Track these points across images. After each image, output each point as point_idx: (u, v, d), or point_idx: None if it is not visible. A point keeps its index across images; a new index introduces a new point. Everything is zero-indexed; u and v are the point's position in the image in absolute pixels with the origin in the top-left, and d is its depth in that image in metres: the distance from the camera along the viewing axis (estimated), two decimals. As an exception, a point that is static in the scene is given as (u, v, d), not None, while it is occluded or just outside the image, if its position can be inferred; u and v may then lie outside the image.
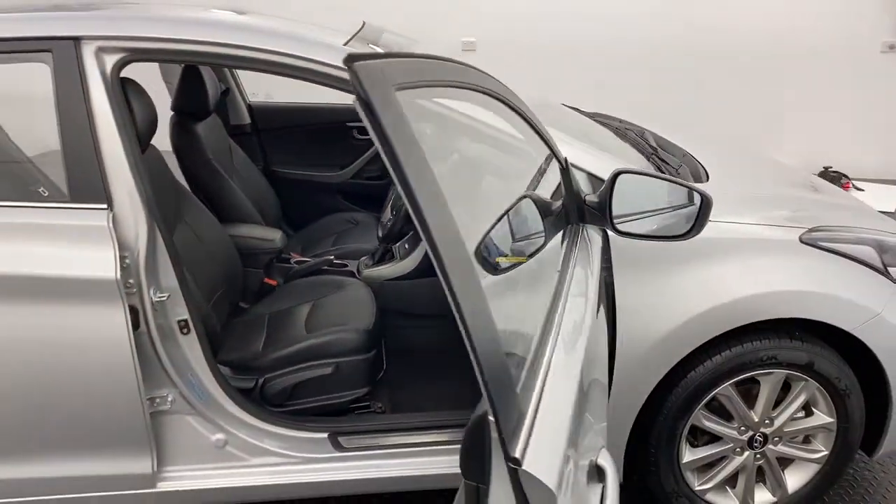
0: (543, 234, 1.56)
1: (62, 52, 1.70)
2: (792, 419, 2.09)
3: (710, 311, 1.91)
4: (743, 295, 1.92)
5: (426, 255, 2.52)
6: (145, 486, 1.87)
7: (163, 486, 1.89)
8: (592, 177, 1.91)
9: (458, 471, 0.96)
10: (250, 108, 3.42)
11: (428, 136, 2.47)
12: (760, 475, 2.18)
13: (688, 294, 1.92)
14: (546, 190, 1.72)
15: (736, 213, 2.01)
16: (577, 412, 1.07)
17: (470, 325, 0.81)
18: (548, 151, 1.72)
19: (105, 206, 1.71)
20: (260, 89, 3.61)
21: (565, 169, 1.69)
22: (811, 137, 5.71)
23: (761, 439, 2.09)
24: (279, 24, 1.99)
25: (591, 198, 1.73)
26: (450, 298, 0.82)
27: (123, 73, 1.79)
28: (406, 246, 2.65)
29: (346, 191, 3.45)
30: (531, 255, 1.51)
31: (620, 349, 1.90)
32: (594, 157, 1.97)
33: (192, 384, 1.88)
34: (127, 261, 1.71)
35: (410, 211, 0.82)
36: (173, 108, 2.69)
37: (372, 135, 0.78)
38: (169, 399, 1.86)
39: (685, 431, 2.05)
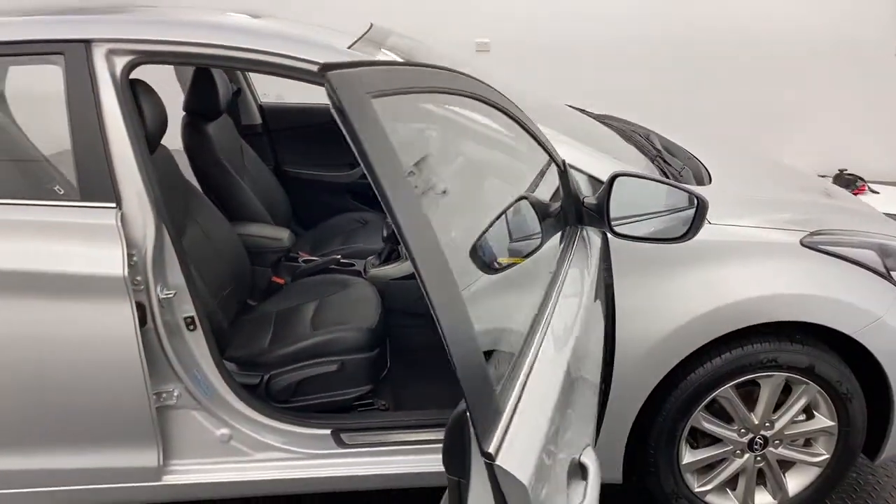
0: (540, 235, 1.58)
1: (73, 55, 1.75)
2: (793, 422, 2.09)
3: (711, 313, 1.91)
4: (743, 297, 1.93)
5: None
6: (151, 478, 1.91)
7: (168, 480, 1.93)
8: (593, 179, 1.92)
9: None
10: (261, 108, 3.46)
11: (434, 139, 2.50)
12: (761, 478, 2.18)
13: (688, 295, 1.93)
14: (544, 192, 1.74)
15: (737, 215, 2.01)
16: (561, 410, 1.09)
17: (446, 325, 0.84)
18: (544, 155, 1.73)
19: (114, 204, 1.75)
20: (271, 90, 3.64)
21: (563, 171, 1.70)
22: (827, 140, 5.66)
23: (761, 442, 2.10)
24: (285, 26, 2.03)
25: (590, 200, 1.75)
26: (427, 298, 0.85)
27: (136, 75, 1.84)
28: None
29: (356, 191, 3.48)
30: (527, 256, 1.53)
31: (620, 349, 1.91)
32: (595, 159, 1.98)
33: (198, 380, 1.92)
34: (134, 258, 1.76)
35: (387, 213, 0.85)
36: (185, 109, 2.74)
37: (349, 141, 0.81)
38: (175, 394, 1.91)
39: (685, 433, 2.06)
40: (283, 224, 3.09)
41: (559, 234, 1.70)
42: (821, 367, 1.99)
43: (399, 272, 2.68)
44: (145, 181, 1.77)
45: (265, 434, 1.99)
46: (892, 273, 2.02)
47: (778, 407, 2.08)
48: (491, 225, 1.49)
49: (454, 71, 1.31)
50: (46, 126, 1.96)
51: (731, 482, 2.18)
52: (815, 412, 2.11)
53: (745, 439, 2.09)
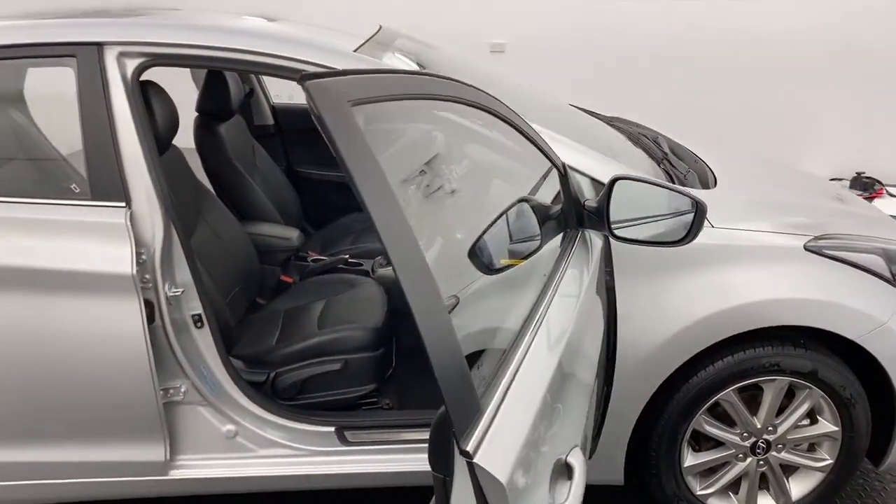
0: (540, 237, 1.60)
1: (86, 57, 1.79)
2: (796, 427, 2.09)
3: (713, 316, 1.92)
4: (746, 301, 1.93)
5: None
6: (158, 473, 1.95)
7: (175, 474, 1.97)
8: (596, 182, 1.93)
9: None
10: (274, 109, 3.50)
11: (444, 141, 2.51)
12: (764, 482, 2.18)
13: (691, 298, 1.93)
14: (548, 194, 1.75)
15: (741, 218, 2.01)
16: (548, 410, 1.11)
17: (425, 327, 0.86)
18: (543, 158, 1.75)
19: (123, 204, 1.79)
20: (284, 91, 3.68)
21: (563, 174, 1.72)
22: (845, 143, 5.60)
23: (764, 446, 2.09)
24: (293, 29, 2.06)
25: (591, 203, 1.76)
26: (408, 299, 0.87)
27: (150, 77, 1.88)
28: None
29: (366, 191, 3.50)
30: (526, 258, 1.55)
31: (622, 351, 1.92)
32: (598, 161, 1.99)
33: (205, 376, 1.95)
34: (143, 256, 1.79)
35: (369, 217, 0.87)
36: (197, 110, 2.78)
37: (331, 148, 0.84)
38: (182, 390, 1.94)
39: (686, 435, 2.07)
40: (293, 223, 3.13)
41: (560, 236, 1.71)
42: (824, 372, 1.99)
43: (406, 272, 2.69)
44: (155, 181, 1.81)
45: (270, 431, 2.02)
46: (897, 278, 2.01)
47: (781, 411, 2.07)
48: (489, 227, 1.51)
49: (443, 77, 1.33)
50: (63, 127, 2.01)
51: (734, 486, 2.18)
52: (818, 417, 2.10)
53: (748, 443, 2.09)
